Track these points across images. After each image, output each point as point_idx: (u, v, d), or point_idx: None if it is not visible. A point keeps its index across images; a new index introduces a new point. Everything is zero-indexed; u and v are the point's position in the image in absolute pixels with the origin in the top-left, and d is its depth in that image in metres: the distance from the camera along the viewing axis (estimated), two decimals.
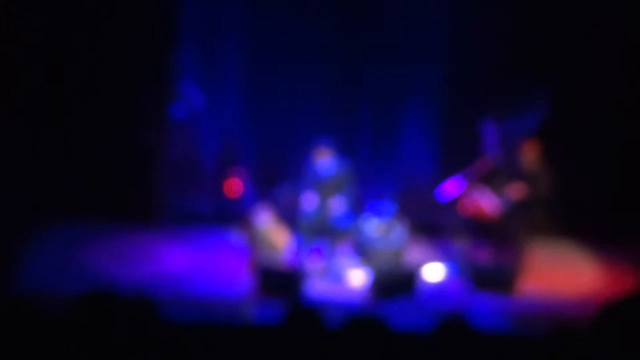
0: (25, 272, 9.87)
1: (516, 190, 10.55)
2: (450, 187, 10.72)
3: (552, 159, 10.70)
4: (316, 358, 4.12)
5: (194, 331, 6.00)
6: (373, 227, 10.69)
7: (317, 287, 9.98)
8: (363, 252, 10.63)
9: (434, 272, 10.60)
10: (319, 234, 10.63)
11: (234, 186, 10.35)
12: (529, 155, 10.68)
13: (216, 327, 7.48)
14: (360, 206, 10.89)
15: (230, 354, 4.13)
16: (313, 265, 10.38)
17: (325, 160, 10.53)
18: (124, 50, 11.51)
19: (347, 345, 4.15)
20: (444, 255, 11.16)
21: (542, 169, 10.60)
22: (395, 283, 9.82)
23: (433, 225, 11.89)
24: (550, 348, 3.29)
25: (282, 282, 9.61)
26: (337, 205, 10.65)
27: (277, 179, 11.52)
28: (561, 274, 10.73)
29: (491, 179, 10.92)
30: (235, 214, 11.00)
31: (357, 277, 10.28)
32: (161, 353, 4.34)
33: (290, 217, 10.69)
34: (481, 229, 10.81)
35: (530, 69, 11.79)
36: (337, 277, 10.36)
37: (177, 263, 10.58)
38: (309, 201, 10.48)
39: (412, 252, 11.02)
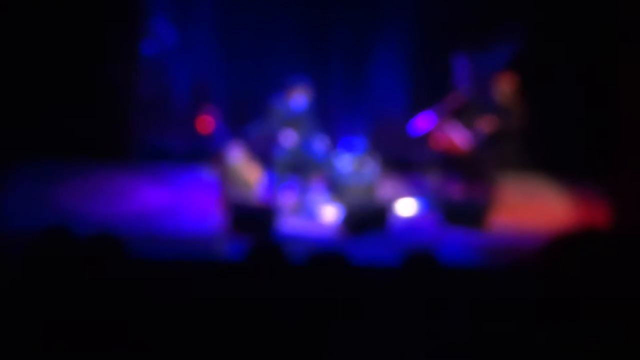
0: None
1: (487, 123, 10.55)
2: (422, 122, 10.71)
3: (525, 93, 10.68)
4: (278, 293, 4.14)
5: (159, 267, 6.03)
6: (345, 163, 10.69)
7: (289, 223, 10.00)
8: (335, 188, 10.65)
9: (405, 207, 10.64)
10: (293, 171, 10.62)
11: (206, 123, 10.31)
12: (503, 87, 10.64)
13: (181, 263, 7.50)
14: (332, 142, 10.85)
15: (190, 288, 4.13)
16: (286, 201, 10.39)
17: (298, 97, 10.47)
18: None
19: (309, 279, 4.17)
20: (416, 190, 11.20)
21: (514, 103, 10.58)
22: (367, 218, 9.85)
23: (405, 161, 11.93)
24: (504, 281, 3.32)
25: (253, 218, 9.63)
26: (319, 142, 10.63)
27: (249, 117, 11.48)
28: (532, 209, 10.79)
29: (463, 114, 10.92)
30: (207, 151, 10.96)
31: (330, 213, 10.31)
32: (125, 289, 4.33)
33: (261, 154, 10.67)
34: (453, 164, 10.84)
35: (502, 3, 11.75)
36: (310, 213, 10.38)
37: (149, 200, 10.57)
38: (288, 138, 10.42)
39: (384, 188, 11.06)
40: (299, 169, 10.68)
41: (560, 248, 2.14)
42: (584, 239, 2.16)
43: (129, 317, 4.05)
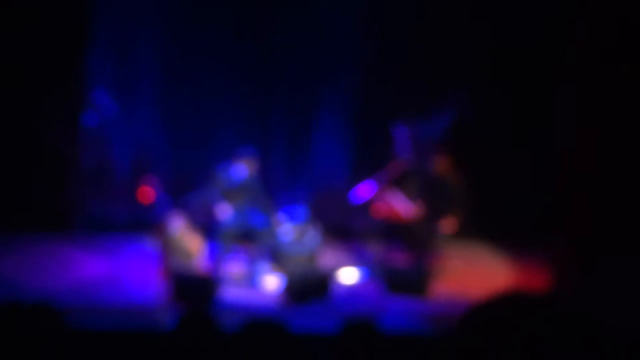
0: None
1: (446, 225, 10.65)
2: (363, 191, 10.78)
3: (463, 165, 10.78)
4: None
5: (99, 338, 5.97)
6: (286, 231, 10.71)
7: (231, 292, 9.97)
8: (276, 256, 10.65)
9: (347, 276, 10.66)
10: (235, 240, 10.62)
11: (147, 193, 10.30)
12: (440, 165, 10.75)
13: (117, 334, 7.43)
14: (273, 211, 10.87)
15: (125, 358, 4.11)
16: (229, 271, 10.37)
17: (241, 167, 10.51)
18: (35, 52, 11.38)
19: (244, 347, 4.15)
20: (358, 258, 11.25)
21: (452, 179, 10.68)
22: (309, 287, 9.84)
23: (346, 229, 11.99)
24: (436, 346, 3.35)
25: (195, 287, 9.57)
26: (261, 211, 10.67)
27: (190, 187, 11.51)
28: (474, 276, 10.85)
29: (403, 182, 11.02)
30: (148, 222, 10.94)
31: (271, 282, 10.29)
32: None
33: (202, 224, 10.67)
34: (394, 232, 10.90)
35: (442, 74, 11.91)
36: (252, 283, 10.36)
37: (91, 271, 10.50)
38: (224, 210, 10.44)
39: (326, 256, 11.09)
40: (242, 239, 10.69)
41: (480, 313, 2.17)
42: (507, 303, 2.19)
43: None
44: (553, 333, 2.15)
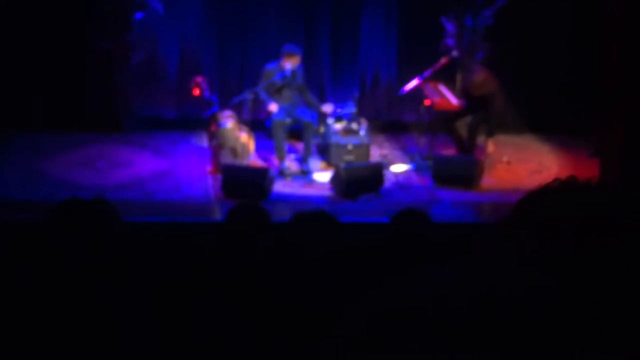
0: None
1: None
2: (412, 85, 10.74)
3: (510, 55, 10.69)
4: (262, 251, 4.18)
5: (151, 229, 6.11)
6: (337, 128, 10.76)
7: (285, 186, 10.11)
8: (326, 152, 10.73)
9: (397, 169, 10.71)
10: (286, 135, 10.70)
11: (197, 92, 10.34)
12: (478, 77, 10.69)
13: (172, 224, 7.58)
14: (321, 107, 10.89)
15: (169, 248, 4.19)
16: (280, 167, 10.46)
17: (288, 64, 10.52)
18: None
19: (295, 237, 4.21)
20: (407, 152, 11.29)
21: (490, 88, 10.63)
22: (360, 181, 9.88)
23: (395, 124, 12.02)
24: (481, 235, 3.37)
25: (247, 183, 9.64)
26: (311, 107, 10.74)
27: (237, 86, 11.59)
28: (523, 169, 10.87)
29: (451, 75, 11.01)
30: (198, 120, 11.03)
31: (324, 177, 10.37)
32: (116, 252, 4.40)
33: (252, 121, 10.72)
34: (443, 125, 10.89)
35: None
36: (304, 178, 10.44)
37: (143, 169, 10.63)
38: (273, 107, 10.45)
39: (376, 151, 11.14)
40: (291, 135, 10.78)
41: (535, 198, 2.19)
42: (561, 191, 2.21)
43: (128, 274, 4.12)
44: (607, 215, 2.16)
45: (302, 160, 10.70)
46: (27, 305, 3.50)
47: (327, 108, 10.78)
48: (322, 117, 10.83)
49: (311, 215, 4.32)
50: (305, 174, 10.50)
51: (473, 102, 10.64)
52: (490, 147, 10.77)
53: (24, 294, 3.57)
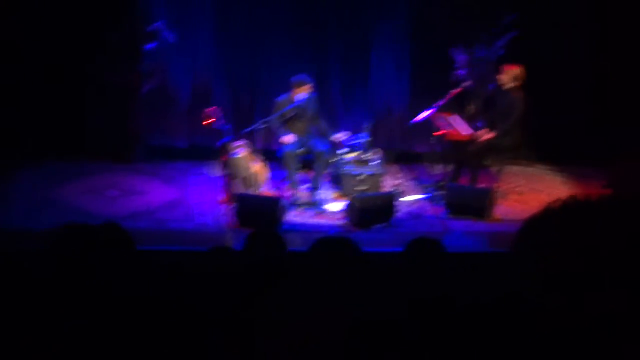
0: (2, 211, 9.93)
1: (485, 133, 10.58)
2: (424, 115, 10.71)
3: (525, 84, 10.66)
4: (280, 278, 4.15)
5: (166, 258, 6.07)
6: (349, 158, 10.76)
7: (297, 216, 10.09)
8: (339, 182, 10.72)
9: (410, 199, 10.69)
10: (299, 166, 10.69)
11: (211, 120, 10.34)
12: (505, 76, 10.54)
13: (185, 254, 7.53)
14: (334, 137, 10.89)
15: (189, 277, 4.17)
16: (294, 197, 10.46)
17: (299, 95, 10.53)
18: None
19: (314, 264, 4.20)
20: (420, 182, 11.27)
21: (515, 92, 10.50)
22: (373, 211, 9.88)
23: (408, 154, 12.01)
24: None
25: (261, 212, 9.65)
26: (324, 137, 10.74)
27: (249, 116, 11.61)
28: (535, 198, 10.83)
29: (462, 106, 10.98)
30: (211, 149, 11.03)
31: (336, 207, 10.36)
32: (134, 279, 4.38)
33: (265, 151, 10.75)
34: (455, 156, 10.86)
35: None
36: (316, 208, 10.43)
37: (155, 198, 10.62)
38: (287, 138, 10.48)
39: (388, 181, 11.13)
40: (305, 165, 10.77)
41: (539, 220, 2.18)
42: (565, 208, 2.19)
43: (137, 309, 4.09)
44: (614, 234, 2.15)
45: (312, 190, 10.70)
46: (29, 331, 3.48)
47: (340, 136, 10.78)
48: (335, 146, 10.83)
49: (332, 243, 4.29)
50: (315, 205, 10.49)
51: (492, 120, 10.57)
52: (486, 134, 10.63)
53: (28, 320, 3.55)
